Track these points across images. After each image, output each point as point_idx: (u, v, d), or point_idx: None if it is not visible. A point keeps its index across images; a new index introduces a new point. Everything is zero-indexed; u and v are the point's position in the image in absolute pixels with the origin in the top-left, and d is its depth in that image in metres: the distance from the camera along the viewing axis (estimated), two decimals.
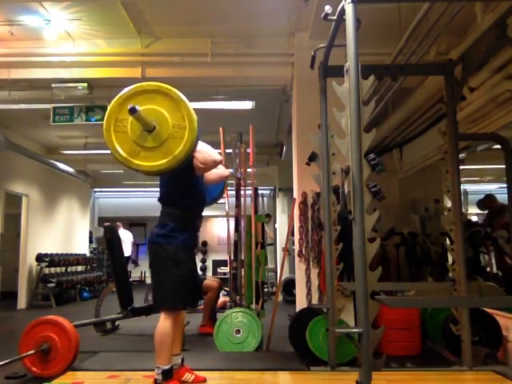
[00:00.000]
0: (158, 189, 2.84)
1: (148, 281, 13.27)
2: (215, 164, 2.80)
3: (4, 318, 7.04)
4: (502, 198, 4.95)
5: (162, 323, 2.60)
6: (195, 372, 2.94)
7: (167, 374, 2.57)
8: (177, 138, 2.31)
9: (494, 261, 5.50)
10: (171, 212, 2.75)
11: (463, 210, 3.53)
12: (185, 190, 2.74)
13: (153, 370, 2.61)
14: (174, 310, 2.68)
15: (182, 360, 2.90)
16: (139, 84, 2.39)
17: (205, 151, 2.72)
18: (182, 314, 2.90)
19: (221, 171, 3.05)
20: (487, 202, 5.40)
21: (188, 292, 2.71)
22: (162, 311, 2.64)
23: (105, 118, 2.36)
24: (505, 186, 3.63)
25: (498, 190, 8.88)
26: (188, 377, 2.88)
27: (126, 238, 10.26)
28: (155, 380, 2.58)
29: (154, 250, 2.73)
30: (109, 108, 2.37)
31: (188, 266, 2.72)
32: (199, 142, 2.55)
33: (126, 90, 2.38)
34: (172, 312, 2.65)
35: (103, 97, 5.56)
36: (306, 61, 3.39)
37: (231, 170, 4.68)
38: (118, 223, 10.27)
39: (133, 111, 2.18)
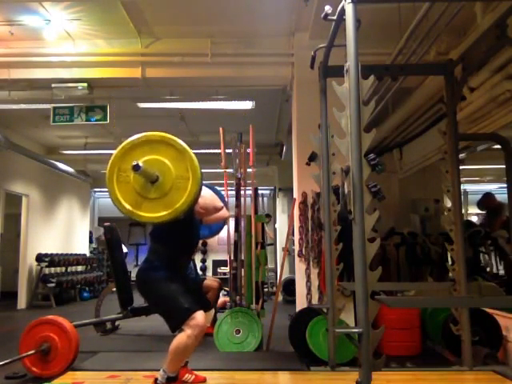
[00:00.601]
0: None
1: None
2: (216, 211, 2.82)
3: (4, 317, 7.04)
4: (502, 197, 4.96)
5: (184, 336, 2.49)
6: (195, 372, 2.95)
7: (171, 381, 2.58)
8: (180, 188, 2.29)
9: (493, 261, 5.50)
10: (156, 249, 2.74)
11: (463, 211, 3.53)
12: (176, 229, 2.65)
13: (153, 370, 2.61)
14: (188, 317, 2.51)
15: (186, 363, 2.91)
16: (143, 134, 2.36)
17: (207, 197, 2.72)
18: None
19: (221, 214, 2.99)
20: (486, 201, 5.40)
21: (191, 296, 2.62)
22: (180, 331, 2.52)
23: (108, 168, 2.36)
24: (505, 186, 3.63)
25: (497, 190, 8.87)
26: (188, 377, 2.89)
27: None
28: (156, 380, 2.58)
29: (139, 282, 2.71)
30: (112, 158, 2.36)
31: (176, 280, 2.63)
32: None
33: (129, 139, 2.36)
34: (188, 321, 2.49)
35: (103, 97, 5.56)
36: (306, 61, 3.39)
37: (231, 170, 4.70)
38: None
39: (136, 168, 2.16)
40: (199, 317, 2.51)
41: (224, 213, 3.02)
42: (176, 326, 2.55)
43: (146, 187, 2.29)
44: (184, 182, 2.29)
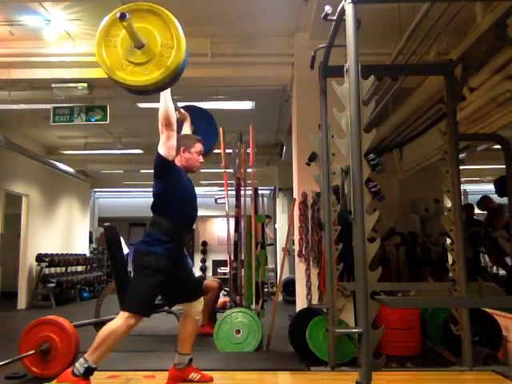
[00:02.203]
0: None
1: None
2: (169, 122, 2.64)
3: (4, 317, 7.04)
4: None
5: (117, 322, 2.52)
6: (202, 372, 2.94)
7: (88, 373, 2.46)
8: (164, 57, 2.31)
9: (488, 260, 5.52)
10: (158, 221, 2.70)
11: None
12: (172, 196, 2.68)
13: (153, 370, 2.61)
14: (133, 312, 2.54)
15: (190, 360, 2.90)
16: (132, 3, 2.40)
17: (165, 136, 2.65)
18: (195, 315, 2.86)
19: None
20: (485, 203, 5.41)
21: (150, 301, 2.62)
22: (123, 311, 2.56)
23: (97, 33, 2.38)
24: None
25: None
26: (194, 376, 2.88)
27: None
28: (74, 369, 2.46)
29: (134, 255, 2.70)
30: (101, 24, 2.40)
31: (164, 277, 2.61)
32: None
33: (120, 7, 2.41)
34: (130, 316, 2.52)
35: (103, 97, 5.56)
36: (306, 61, 3.38)
37: (231, 170, 4.70)
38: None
39: (122, 17, 2.17)
40: (137, 320, 2.54)
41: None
42: (126, 308, 2.56)
43: (133, 52, 2.32)
44: (169, 51, 2.31)
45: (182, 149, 2.81)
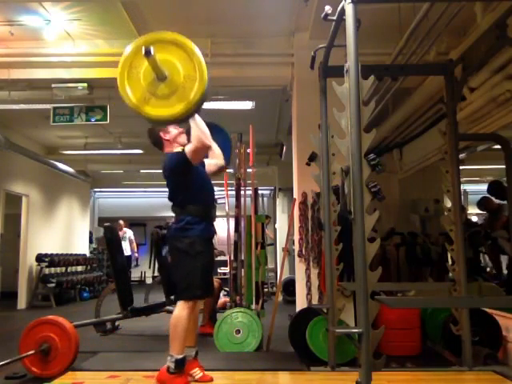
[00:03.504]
0: (162, 188, 2.90)
1: (148, 281, 13.27)
2: (204, 146, 2.72)
3: (4, 317, 7.04)
4: None
5: (179, 313, 2.70)
6: (205, 372, 2.94)
7: (180, 364, 2.64)
8: (187, 88, 2.33)
9: (488, 260, 5.51)
10: (184, 207, 2.84)
11: None
12: (189, 190, 2.83)
13: (153, 370, 2.62)
14: (191, 299, 2.75)
15: (196, 353, 2.94)
16: (157, 32, 2.42)
17: (193, 142, 2.71)
18: (197, 309, 2.98)
19: (215, 153, 3.07)
20: (485, 203, 5.41)
21: (204, 282, 2.80)
22: (180, 301, 2.74)
23: (120, 64, 2.38)
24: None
25: None
26: (196, 372, 2.89)
27: (128, 235, 10.21)
28: (168, 368, 2.64)
29: (171, 244, 2.87)
30: (125, 54, 2.39)
31: (205, 257, 2.81)
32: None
33: (142, 37, 2.43)
34: (189, 302, 2.72)
35: (103, 97, 5.56)
36: (306, 61, 3.39)
37: (231, 170, 4.69)
38: (121, 222, 10.16)
39: (148, 53, 2.18)
40: (196, 303, 2.82)
41: (218, 154, 3.09)
42: (183, 298, 2.74)
43: (155, 84, 2.34)
44: (191, 82, 2.33)
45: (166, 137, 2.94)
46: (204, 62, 2.37)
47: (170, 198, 2.93)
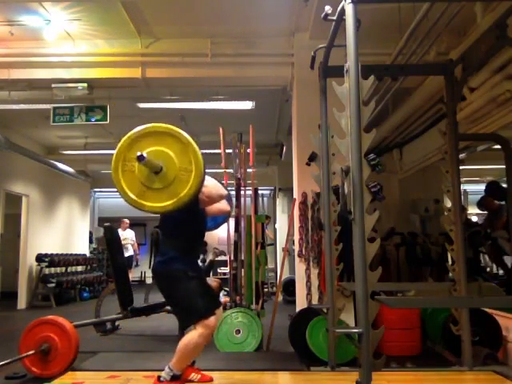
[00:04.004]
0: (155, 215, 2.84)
1: (148, 281, 13.25)
2: (220, 198, 2.85)
3: (4, 317, 7.04)
4: None
5: (196, 335, 2.55)
6: (202, 372, 2.95)
7: (175, 379, 2.59)
8: (183, 181, 2.31)
9: (488, 260, 5.50)
10: (170, 241, 2.77)
11: None
12: (183, 222, 2.73)
13: (153, 370, 2.61)
14: (200, 320, 2.58)
15: (193, 362, 2.92)
16: (150, 125, 2.39)
17: (210, 185, 2.74)
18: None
19: (223, 206, 3.04)
20: (485, 203, 5.41)
21: (205, 299, 2.66)
22: (194, 325, 2.58)
23: (113, 158, 2.36)
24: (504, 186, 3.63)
25: None
26: (194, 376, 2.89)
27: (131, 236, 10.18)
28: (159, 377, 2.58)
29: (158, 276, 2.74)
30: (118, 147, 2.37)
31: (198, 278, 2.69)
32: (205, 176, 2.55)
33: (135, 129, 2.39)
34: (202, 321, 2.56)
35: (103, 97, 5.56)
36: (306, 61, 3.38)
37: (230, 170, 4.69)
38: (126, 220, 10.09)
39: (141, 159, 2.18)
40: (213, 318, 2.60)
41: (225, 206, 3.09)
42: (189, 325, 2.63)
43: (150, 177, 2.31)
44: (187, 174, 2.31)
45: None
46: (200, 154, 2.33)
47: (160, 227, 2.87)
